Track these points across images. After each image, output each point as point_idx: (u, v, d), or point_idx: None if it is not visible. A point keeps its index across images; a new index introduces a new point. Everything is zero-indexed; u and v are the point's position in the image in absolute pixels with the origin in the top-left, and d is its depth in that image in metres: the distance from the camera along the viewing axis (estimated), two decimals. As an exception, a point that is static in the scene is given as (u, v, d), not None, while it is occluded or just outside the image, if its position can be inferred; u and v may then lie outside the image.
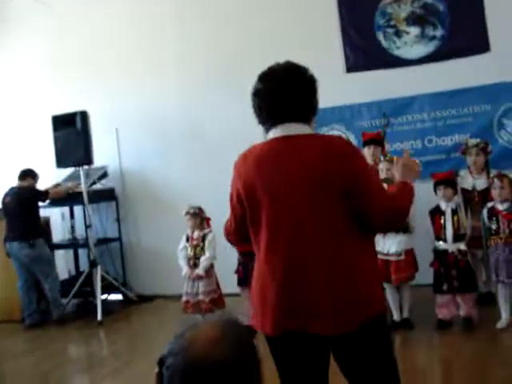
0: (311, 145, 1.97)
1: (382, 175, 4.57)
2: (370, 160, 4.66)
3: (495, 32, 5.71)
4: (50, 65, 7.25)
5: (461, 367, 3.76)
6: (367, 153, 4.77)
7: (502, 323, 4.44)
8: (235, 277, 4.90)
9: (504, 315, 4.46)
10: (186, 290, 5.04)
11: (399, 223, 2.09)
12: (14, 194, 6.13)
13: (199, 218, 5.05)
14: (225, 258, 4.88)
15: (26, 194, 6.13)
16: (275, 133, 2.02)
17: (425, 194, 4.69)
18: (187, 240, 5.11)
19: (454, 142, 5.78)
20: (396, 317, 4.73)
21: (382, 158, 4.59)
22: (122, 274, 7.03)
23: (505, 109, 5.75)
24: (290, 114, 2.00)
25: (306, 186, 1.94)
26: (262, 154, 2.03)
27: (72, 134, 6.24)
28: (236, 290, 4.94)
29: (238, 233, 2.19)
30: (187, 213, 5.08)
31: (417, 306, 4.99)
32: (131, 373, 4.39)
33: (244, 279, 4.64)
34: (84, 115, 6.22)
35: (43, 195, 6.26)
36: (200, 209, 5.08)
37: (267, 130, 2.05)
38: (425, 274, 4.69)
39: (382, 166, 4.55)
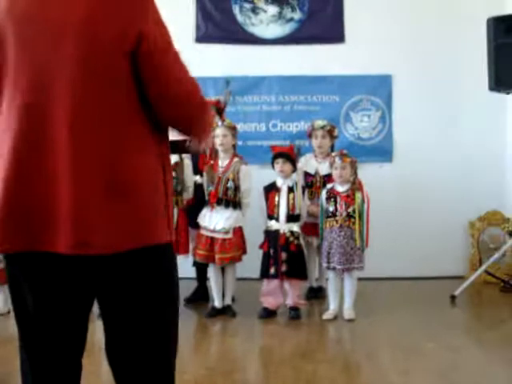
0: None
1: (218, 141, 4.14)
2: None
3: (351, 24, 5.63)
4: None
5: (280, 359, 3.37)
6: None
7: (328, 314, 4.14)
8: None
9: (332, 306, 4.18)
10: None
11: (196, 124, 1.56)
12: None
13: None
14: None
15: None
16: None
17: (266, 178, 4.35)
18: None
19: (300, 128, 5.54)
20: (217, 303, 4.26)
21: (219, 124, 4.13)
22: None
23: (352, 102, 5.63)
24: None
25: (71, 38, 1.37)
26: None
27: None
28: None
29: None
30: None
31: (242, 297, 4.61)
32: None
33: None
34: None
35: None
36: None
37: None
38: (254, 268, 4.29)
39: (219, 132, 4.11)
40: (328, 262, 4.09)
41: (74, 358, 1.57)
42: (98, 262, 1.41)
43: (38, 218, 1.37)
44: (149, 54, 1.40)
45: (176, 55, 1.48)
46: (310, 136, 4.71)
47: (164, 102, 1.46)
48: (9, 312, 4.24)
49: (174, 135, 1.61)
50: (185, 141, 1.63)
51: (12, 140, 1.39)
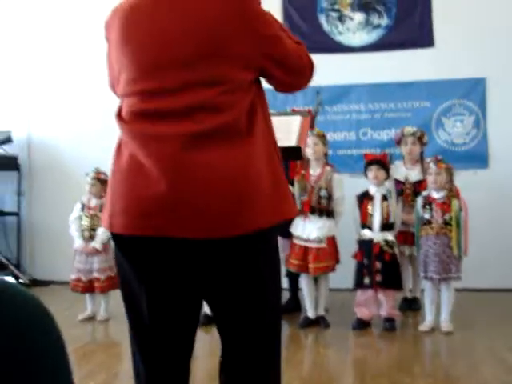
0: None
1: (310, 150, 4.14)
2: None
3: (440, 27, 5.48)
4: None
5: (376, 371, 3.30)
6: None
7: (425, 325, 4.01)
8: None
9: (429, 317, 4.03)
10: (77, 267, 4.41)
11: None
12: None
13: (106, 185, 4.41)
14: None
15: None
16: None
17: (357, 187, 4.29)
18: (82, 209, 4.46)
19: (390, 136, 5.41)
20: (310, 313, 4.23)
21: (309, 133, 4.12)
22: (17, 254, 6.25)
23: (445, 107, 5.46)
24: None
25: (190, 53, 1.44)
26: (133, 6, 1.50)
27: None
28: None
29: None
30: (97, 178, 4.43)
31: (335, 307, 4.56)
32: None
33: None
34: (-14, 66, 5.52)
35: None
36: (106, 174, 4.46)
37: None
38: (346, 278, 4.24)
39: (310, 141, 4.10)
40: (425, 272, 3.97)
41: (185, 359, 1.61)
42: (214, 246, 1.45)
43: (163, 206, 1.43)
44: (273, 64, 1.52)
45: (289, 44, 1.58)
46: (398, 143, 4.61)
47: (287, 85, 1.68)
48: (108, 319, 4.41)
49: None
50: (290, 148, 1.67)
51: (134, 142, 1.48)
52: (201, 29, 1.43)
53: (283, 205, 1.54)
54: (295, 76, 1.63)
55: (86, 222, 4.43)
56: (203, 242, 1.44)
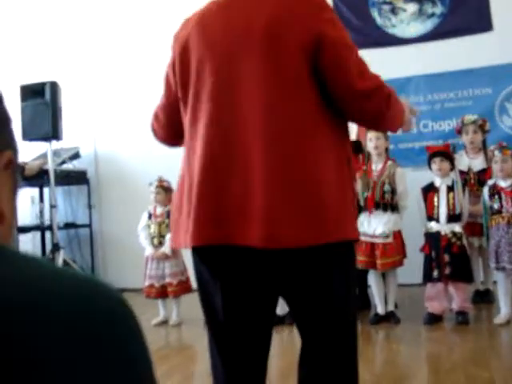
0: None
1: (372, 145, 4.12)
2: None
3: (498, 10, 5.31)
4: (22, 31, 6.77)
5: (450, 366, 3.23)
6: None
7: (500, 318, 3.89)
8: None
9: (503, 309, 3.92)
10: (150, 273, 4.53)
11: (383, 120, 1.55)
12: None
13: (170, 193, 4.55)
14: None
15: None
16: None
17: (419, 180, 4.24)
18: (149, 217, 4.60)
19: (452, 127, 5.31)
20: (380, 309, 4.19)
21: (369, 129, 4.11)
22: (91, 264, 6.50)
23: (507, 92, 5.30)
24: None
25: (257, 42, 1.47)
26: (206, 11, 1.58)
27: (40, 106, 5.76)
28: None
29: (169, 122, 1.74)
30: (160, 186, 4.55)
31: (405, 303, 4.51)
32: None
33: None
34: (54, 86, 5.74)
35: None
36: (169, 182, 4.58)
37: None
38: (414, 273, 4.19)
39: (372, 135, 4.09)
40: (497, 262, 3.87)
41: (262, 358, 1.64)
42: (284, 256, 1.46)
43: (231, 215, 1.46)
44: (329, 51, 1.45)
45: (355, 51, 1.49)
46: (459, 132, 4.52)
47: (348, 98, 1.47)
48: (180, 323, 4.52)
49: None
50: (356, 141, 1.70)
51: (203, 146, 1.52)
52: (261, 24, 1.46)
53: (347, 224, 1.51)
54: (348, 90, 1.46)
55: (154, 230, 4.55)
56: (266, 252, 1.45)
